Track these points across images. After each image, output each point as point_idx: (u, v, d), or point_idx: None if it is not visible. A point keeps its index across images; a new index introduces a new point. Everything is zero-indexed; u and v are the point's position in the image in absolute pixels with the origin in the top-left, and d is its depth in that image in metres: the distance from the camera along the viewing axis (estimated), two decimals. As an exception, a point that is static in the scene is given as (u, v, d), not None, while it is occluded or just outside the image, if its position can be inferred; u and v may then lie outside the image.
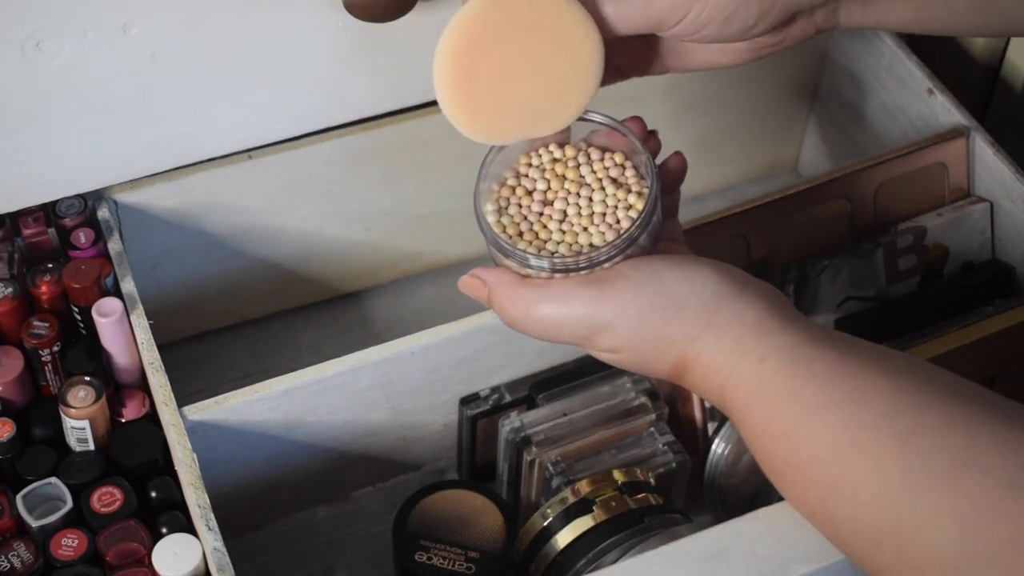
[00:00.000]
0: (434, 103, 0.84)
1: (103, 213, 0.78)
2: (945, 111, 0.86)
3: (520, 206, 0.64)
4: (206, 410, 0.72)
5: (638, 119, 0.66)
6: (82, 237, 0.76)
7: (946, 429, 0.55)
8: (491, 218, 0.64)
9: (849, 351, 0.59)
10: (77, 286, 0.73)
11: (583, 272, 0.62)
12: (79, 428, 0.71)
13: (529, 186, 0.64)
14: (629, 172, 0.64)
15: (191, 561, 0.66)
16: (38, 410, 0.73)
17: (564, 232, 0.63)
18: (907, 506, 0.55)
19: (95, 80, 0.72)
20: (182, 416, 0.71)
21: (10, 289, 0.73)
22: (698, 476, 0.80)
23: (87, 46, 0.70)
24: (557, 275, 0.62)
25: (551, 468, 0.76)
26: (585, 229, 0.63)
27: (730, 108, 0.95)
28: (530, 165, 0.65)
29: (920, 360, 0.60)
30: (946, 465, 0.54)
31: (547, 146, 0.65)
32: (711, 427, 0.79)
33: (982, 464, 0.54)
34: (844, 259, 0.81)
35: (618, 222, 0.63)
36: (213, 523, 0.66)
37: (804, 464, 0.58)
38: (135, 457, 0.71)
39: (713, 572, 0.63)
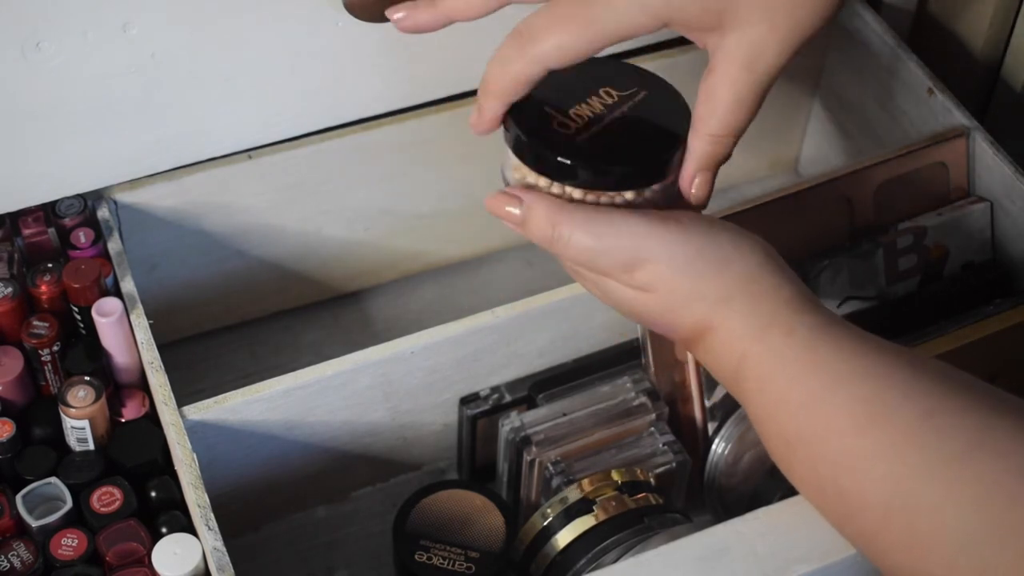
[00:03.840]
0: (434, 103, 0.85)
1: (103, 213, 0.78)
2: (945, 111, 0.86)
3: None
4: (206, 410, 0.72)
5: None
6: (82, 237, 0.76)
7: (963, 413, 0.56)
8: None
9: (871, 337, 0.60)
10: (77, 286, 0.73)
11: (616, 198, 0.63)
12: (79, 428, 0.71)
13: None
14: None
15: (191, 561, 0.66)
16: (38, 410, 0.73)
17: None
18: (920, 484, 0.55)
19: (95, 80, 0.72)
20: (182, 416, 0.71)
21: (10, 289, 0.73)
22: (698, 476, 0.80)
23: (87, 46, 0.70)
24: (592, 196, 0.63)
25: (551, 468, 0.76)
26: None
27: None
28: None
29: (934, 358, 0.61)
30: (962, 446, 0.55)
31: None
32: (711, 427, 0.79)
33: (996, 448, 0.54)
34: (844, 259, 0.81)
35: None
36: (213, 523, 0.66)
37: (819, 437, 0.58)
38: (135, 457, 0.71)
39: (713, 572, 0.63)
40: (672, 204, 0.65)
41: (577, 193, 0.63)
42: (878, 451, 0.56)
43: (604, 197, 0.63)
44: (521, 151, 0.63)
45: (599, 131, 0.63)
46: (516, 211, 0.63)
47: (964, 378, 0.58)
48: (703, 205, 0.65)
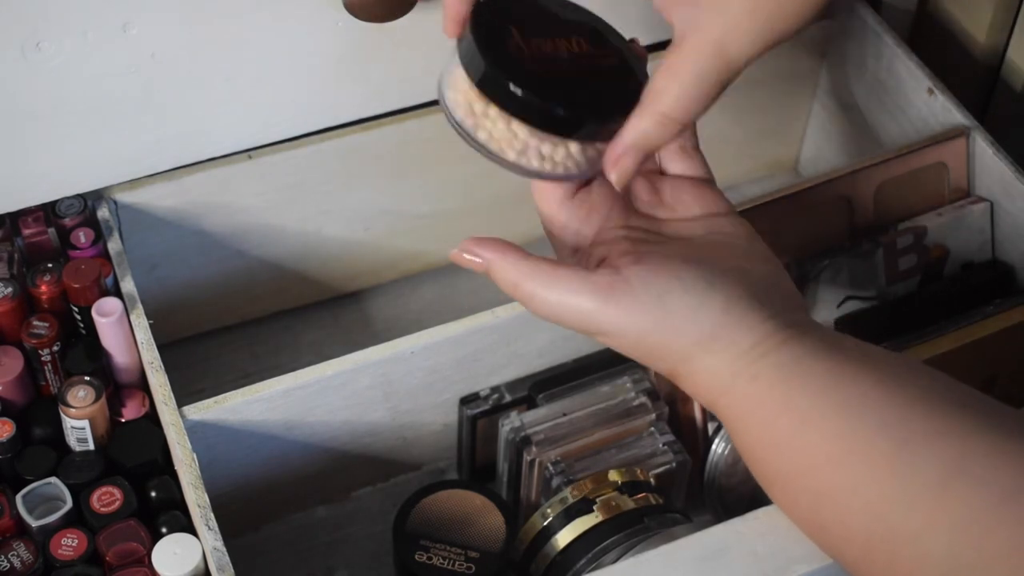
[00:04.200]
0: (434, 103, 0.85)
1: (103, 213, 0.78)
2: (945, 111, 0.86)
3: None
4: (206, 410, 0.72)
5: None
6: (82, 237, 0.76)
7: (940, 438, 0.55)
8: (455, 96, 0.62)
9: (845, 361, 0.59)
10: (77, 286, 0.73)
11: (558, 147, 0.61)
12: (79, 428, 0.71)
13: None
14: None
15: (191, 561, 0.66)
16: (38, 410, 0.73)
17: None
18: (900, 514, 0.55)
19: (95, 80, 0.72)
20: (182, 416, 0.71)
21: (10, 289, 0.73)
22: (698, 476, 0.80)
23: (87, 46, 0.70)
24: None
25: (551, 468, 0.76)
26: None
27: (730, 108, 0.95)
28: None
29: (919, 365, 0.60)
30: (939, 474, 0.54)
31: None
32: (711, 427, 0.79)
33: (975, 474, 0.54)
34: (844, 259, 0.81)
35: None
36: (213, 523, 0.66)
37: (797, 473, 0.58)
38: (135, 457, 0.71)
39: (713, 572, 0.63)
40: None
41: (522, 131, 0.60)
42: (855, 485, 0.56)
43: (547, 144, 0.60)
44: (471, 69, 0.60)
45: (558, 73, 0.61)
46: (478, 261, 0.63)
47: (944, 392, 0.57)
48: (621, 188, 0.62)
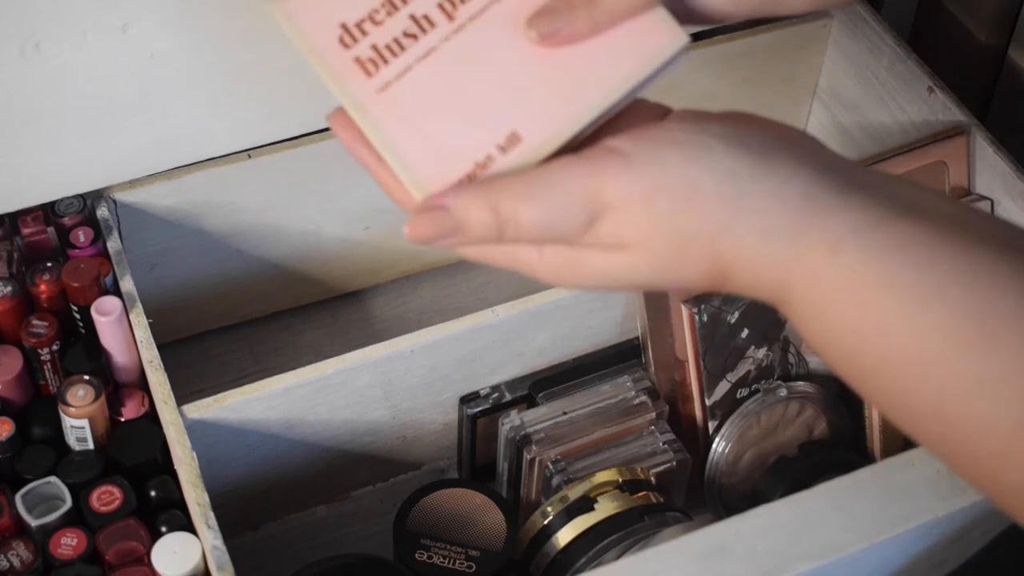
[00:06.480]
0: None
1: (102, 212, 0.78)
2: (946, 109, 0.86)
3: None
4: (205, 409, 0.72)
5: None
6: (81, 236, 0.76)
7: None
8: None
9: (944, 222, 0.49)
10: (76, 285, 0.73)
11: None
12: (78, 427, 0.71)
13: None
14: None
15: (190, 560, 0.66)
16: (37, 409, 0.73)
17: None
18: None
19: (95, 80, 0.72)
20: (181, 415, 0.71)
21: (9, 288, 0.73)
22: (698, 474, 0.80)
23: (87, 46, 0.70)
24: None
25: (551, 466, 0.76)
26: None
27: (730, 107, 0.95)
28: None
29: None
30: None
31: None
32: (711, 425, 0.79)
33: None
34: (844, 258, 0.81)
35: None
36: (213, 522, 0.66)
37: (912, 361, 0.48)
38: (134, 456, 0.71)
39: (713, 570, 0.63)
40: None
41: None
42: (1005, 371, 0.47)
43: None
44: None
45: None
46: (446, 221, 0.50)
47: None
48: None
